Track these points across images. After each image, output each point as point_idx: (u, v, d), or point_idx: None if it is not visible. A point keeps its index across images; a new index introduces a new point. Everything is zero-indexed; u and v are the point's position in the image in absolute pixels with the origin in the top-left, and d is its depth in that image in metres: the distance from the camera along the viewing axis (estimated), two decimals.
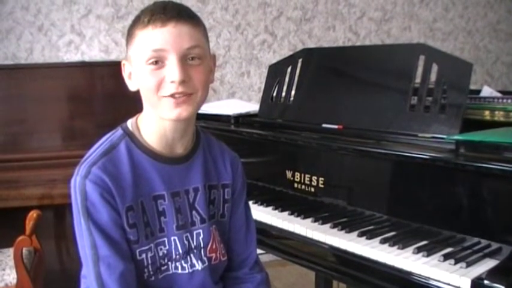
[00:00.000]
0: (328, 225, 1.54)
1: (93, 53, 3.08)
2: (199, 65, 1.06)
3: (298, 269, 1.83)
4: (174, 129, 1.11)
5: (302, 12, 3.53)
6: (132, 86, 1.11)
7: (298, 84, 1.90)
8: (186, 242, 1.15)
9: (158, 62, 1.03)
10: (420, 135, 1.48)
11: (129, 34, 1.08)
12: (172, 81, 1.02)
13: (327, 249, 1.47)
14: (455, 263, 1.23)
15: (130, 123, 1.15)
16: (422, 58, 1.56)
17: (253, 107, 2.15)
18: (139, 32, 1.04)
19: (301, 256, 1.57)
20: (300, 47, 3.32)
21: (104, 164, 1.06)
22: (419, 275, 1.25)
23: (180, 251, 1.14)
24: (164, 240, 1.12)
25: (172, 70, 1.02)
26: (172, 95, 1.03)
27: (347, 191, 1.62)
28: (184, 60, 1.04)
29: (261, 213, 1.68)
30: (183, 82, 1.03)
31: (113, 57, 3.11)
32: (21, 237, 1.99)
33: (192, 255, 1.15)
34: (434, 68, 1.52)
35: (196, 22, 1.07)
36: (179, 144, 1.15)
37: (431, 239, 1.37)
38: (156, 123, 1.11)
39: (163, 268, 1.12)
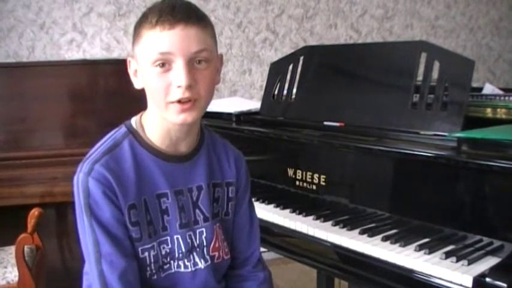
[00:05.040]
0: (329, 222, 1.54)
1: (94, 51, 3.08)
2: (206, 69, 1.05)
3: (300, 267, 1.83)
4: (178, 130, 1.11)
5: (304, 10, 3.53)
6: (137, 84, 1.11)
7: (299, 82, 1.89)
8: (189, 241, 1.15)
9: (165, 64, 1.02)
10: (422, 132, 1.48)
11: (136, 32, 1.06)
12: (179, 86, 1.01)
13: (328, 247, 1.47)
14: (457, 261, 1.23)
15: (134, 121, 1.15)
16: (424, 55, 1.55)
17: (254, 105, 2.15)
18: (147, 32, 1.03)
19: (303, 254, 1.57)
20: (301, 44, 3.31)
21: (106, 161, 1.06)
22: (421, 272, 1.25)
23: (183, 250, 1.14)
24: (167, 239, 1.12)
25: (179, 74, 1.01)
26: (178, 101, 1.03)
27: (349, 188, 1.62)
28: (191, 64, 1.03)
29: (263, 211, 1.68)
30: (189, 87, 1.02)
31: (114, 55, 3.11)
32: (22, 235, 1.99)
33: (194, 253, 1.15)
34: (436, 65, 1.52)
35: (205, 24, 1.06)
36: (183, 143, 1.14)
37: (433, 237, 1.37)
38: (161, 122, 1.10)
39: (165, 267, 1.13)
